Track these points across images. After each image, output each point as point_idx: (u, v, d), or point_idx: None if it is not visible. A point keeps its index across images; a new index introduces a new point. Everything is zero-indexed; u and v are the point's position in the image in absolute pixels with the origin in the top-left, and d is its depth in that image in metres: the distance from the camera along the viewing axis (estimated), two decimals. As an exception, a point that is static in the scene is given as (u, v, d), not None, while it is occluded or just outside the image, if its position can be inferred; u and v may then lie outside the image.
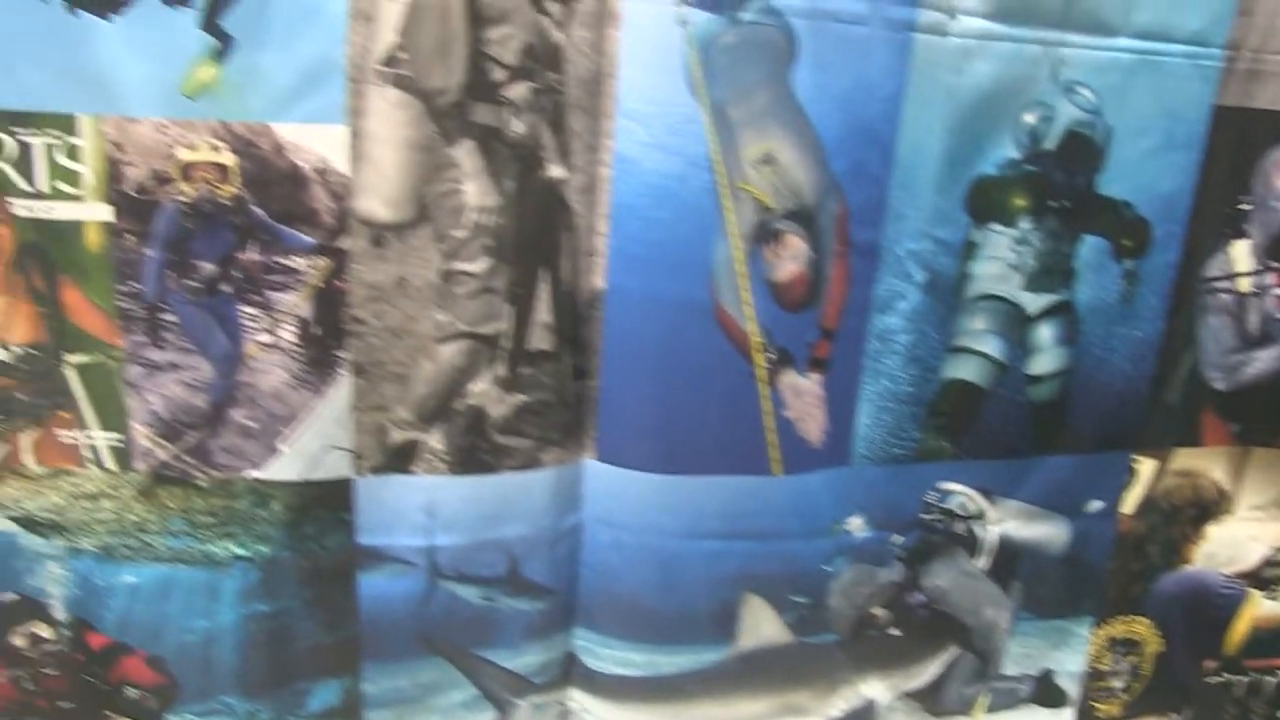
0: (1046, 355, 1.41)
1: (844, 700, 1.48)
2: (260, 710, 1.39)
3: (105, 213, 1.19)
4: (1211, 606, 1.59)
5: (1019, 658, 1.57)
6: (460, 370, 1.26)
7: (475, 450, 1.29)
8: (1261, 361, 1.46)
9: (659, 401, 1.32)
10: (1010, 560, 1.49)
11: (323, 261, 1.21)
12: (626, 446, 1.34)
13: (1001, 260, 1.37)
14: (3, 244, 1.20)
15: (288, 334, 1.23)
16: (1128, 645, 1.61)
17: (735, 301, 1.28)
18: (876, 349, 1.36)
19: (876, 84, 1.26)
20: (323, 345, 1.24)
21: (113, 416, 1.26)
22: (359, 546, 1.32)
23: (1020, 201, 1.34)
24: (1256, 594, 1.59)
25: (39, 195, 1.18)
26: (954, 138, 1.29)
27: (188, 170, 1.18)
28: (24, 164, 1.17)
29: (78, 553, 1.31)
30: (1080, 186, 1.35)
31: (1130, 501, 1.52)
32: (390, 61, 1.16)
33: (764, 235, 1.27)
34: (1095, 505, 1.49)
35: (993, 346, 1.38)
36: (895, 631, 1.49)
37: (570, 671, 1.45)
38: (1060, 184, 1.35)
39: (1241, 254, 1.41)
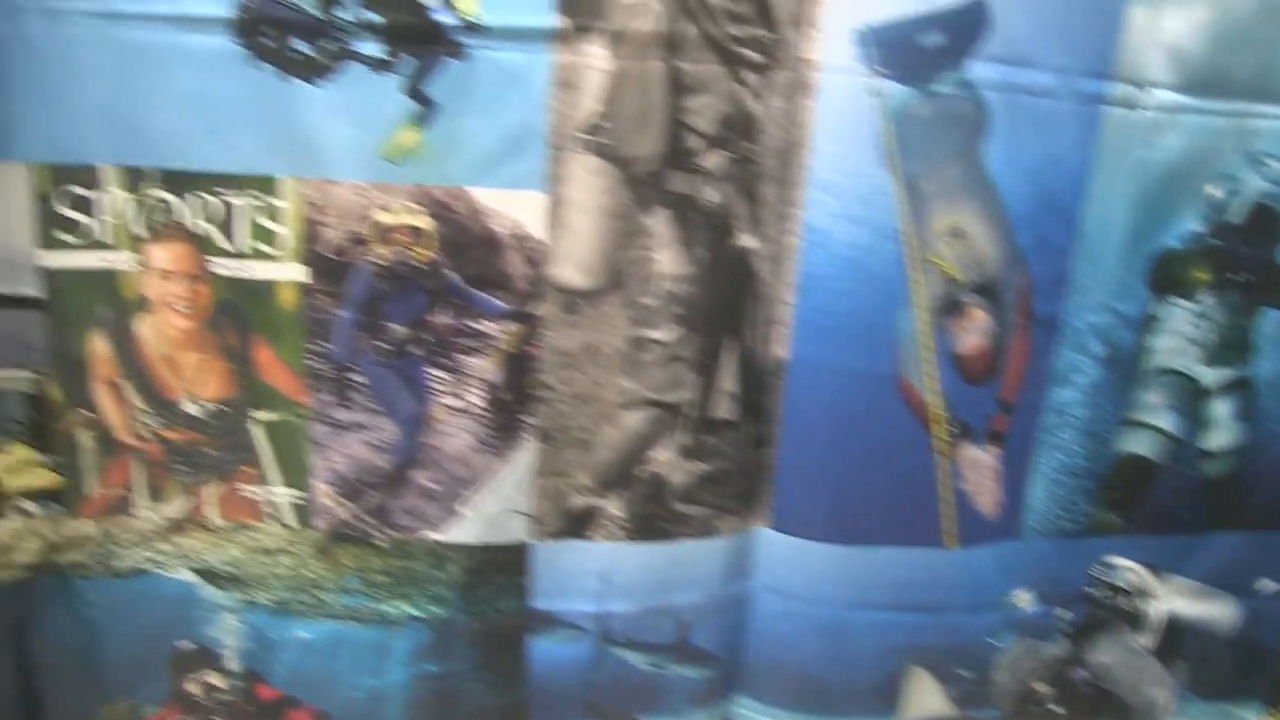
0: (1222, 430, 1.34)
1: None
2: (422, 769, 1.33)
3: (300, 273, 1.15)
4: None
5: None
6: (644, 437, 1.21)
7: (654, 518, 1.24)
8: None
9: (836, 471, 1.26)
10: (1176, 638, 1.41)
11: (514, 327, 1.17)
12: (801, 515, 1.28)
13: (1181, 334, 1.30)
14: (200, 301, 1.17)
15: (475, 398, 1.19)
16: (1296, 731, 1.52)
17: (919, 373, 1.22)
18: (1052, 422, 1.29)
19: (1065, 157, 1.20)
20: (509, 410, 1.20)
21: (296, 474, 1.22)
22: (532, 610, 1.28)
23: (1202, 275, 1.28)
24: None
25: (238, 255, 1.15)
26: (1139, 211, 1.23)
27: (384, 233, 1.14)
28: (225, 224, 1.14)
29: (253, 606, 1.28)
30: (1263, 259, 1.28)
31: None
32: (591, 129, 1.12)
33: (950, 308, 1.21)
34: (1267, 585, 1.41)
35: (1168, 421, 1.31)
36: (1057, 708, 1.42)
37: (729, 739, 1.38)
38: (1243, 257, 1.28)
39: None
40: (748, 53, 1.14)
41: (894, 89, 1.16)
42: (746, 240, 1.19)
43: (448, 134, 1.12)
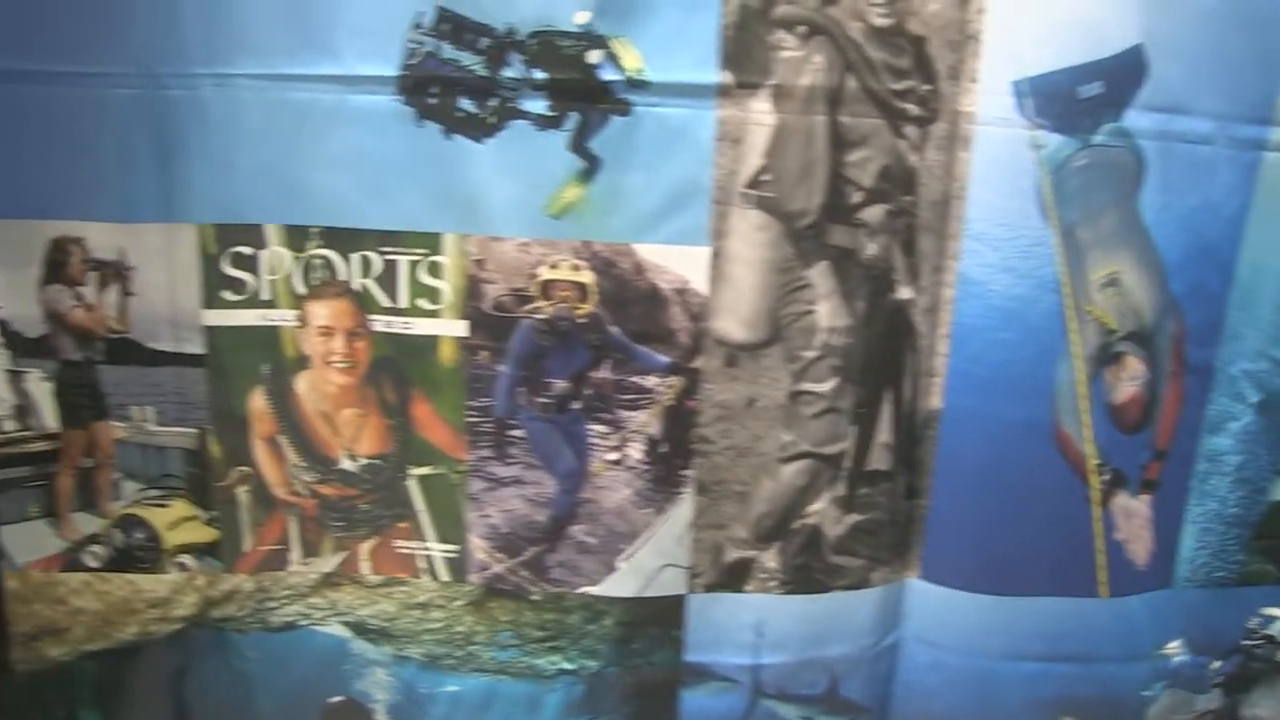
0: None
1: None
2: (569, 823, 1.28)
3: (461, 329, 1.13)
4: None
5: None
6: (801, 490, 1.17)
7: (808, 569, 1.20)
8: None
9: (989, 521, 1.21)
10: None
11: (675, 380, 1.13)
12: (952, 566, 1.23)
13: (1337, 380, 1.24)
14: (359, 358, 1.14)
15: (635, 452, 1.16)
16: None
17: (1075, 423, 1.18)
18: (1205, 470, 1.24)
19: (1220, 203, 1.16)
20: (669, 463, 1.16)
21: (451, 529, 1.19)
22: (685, 664, 1.23)
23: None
24: None
25: (399, 311, 1.13)
26: (1296, 256, 1.18)
27: (547, 288, 1.11)
28: (387, 281, 1.11)
29: (404, 660, 1.25)
30: None
31: None
32: (755, 184, 1.08)
33: (1106, 357, 1.17)
34: None
35: (1324, 468, 1.26)
36: (1209, 760, 1.35)
37: (874, 791, 1.33)
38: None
39: None
40: (907, 106, 1.11)
41: (1053, 139, 1.12)
42: (904, 292, 1.15)
43: (612, 190, 1.09)
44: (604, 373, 1.15)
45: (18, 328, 1.15)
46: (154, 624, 1.23)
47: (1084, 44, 1.09)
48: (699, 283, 1.12)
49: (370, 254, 1.12)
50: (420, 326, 1.14)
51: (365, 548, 1.22)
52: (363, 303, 1.14)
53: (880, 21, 1.08)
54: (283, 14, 1.06)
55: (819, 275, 1.13)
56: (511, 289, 1.12)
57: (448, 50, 1.06)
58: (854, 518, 1.20)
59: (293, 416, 1.18)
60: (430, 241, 1.11)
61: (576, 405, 1.16)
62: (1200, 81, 1.12)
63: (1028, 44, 1.09)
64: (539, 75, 1.07)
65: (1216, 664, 1.32)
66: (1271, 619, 1.31)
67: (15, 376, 1.16)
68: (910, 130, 1.11)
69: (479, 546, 1.20)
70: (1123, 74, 1.11)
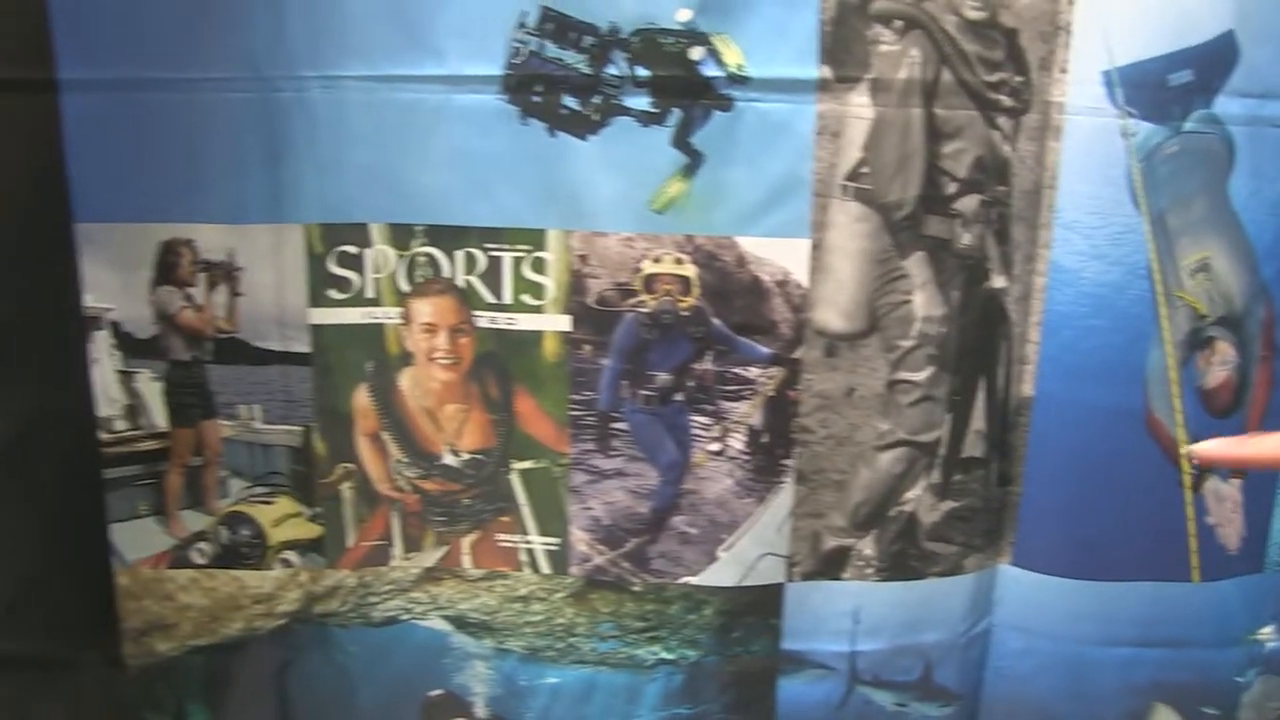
0: None
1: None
2: (668, 812, 1.29)
3: (564, 323, 1.14)
4: None
5: None
6: (897, 478, 1.17)
7: (904, 557, 1.20)
8: None
9: (1081, 507, 1.22)
10: None
11: (776, 371, 1.13)
12: (1044, 551, 1.24)
13: None
14: (463, 354, 1.15)
15: (737, 442, 1.16)
16: None
17: (1166, 408, 1.18)
18: (1292, 453, 1.23)
19: (1311, 188, 1.15)
20: (769, 453, 1.17)
21: (552, 522, 1.20)
22: (783, 651, 1.23)
23: None
24: None
25: (502, 307, 1.13)
26: (1385, 240, 1.18)
27: (650, 282, 1.12)
28: (492, 278, 1.12)
29: (504, 653, 1.25)
30: None
31: None
32: (854, 176, 1.09)
33: (1196, 342, 1.17)
34: None
35: None
36: (1303, 746, 1.35)
37: (966, 778, 1.33)
38: None
39: None
40: (1000, 97, 1.11)
41: (1143, 128, 1.12)
42: (998, 281, 1.16)
43: (714, 184, 1.10)
44: (706, 364, 1.16)
45: (129, 329, 1.16)
46: (259, 619, 1.24)
47: (1174, 32, 1.09)
48: (800, 274, 1.13)
49: (475, 251, 1.13)
50: (524, 322, 1.15)
51: (467, 542, 1.23)
52: (467, 299, 1.15)
53: (974, 15, 1.09)
54: (388, 16, 1.07)
55: (915, 265, 1.13)
56: (615, 283, 1.13)
57: (551, 49, 1.08)
58: (949, 504, 1.21)
59: (396, 413, 1.19)
60: (534, 238, 1.12)
61: (679, 397, 1.16)
62: (1291, 65, 1.12)
63: (1118, 33, 1.10)
64: (642, 72, 1.08)
65: (1311, 649, 1.32)
66: (1362, 602, 1.30)
67: (126, 377, 1.18)
68: (1003, 121, 1.12)
69: (580, 539, 1.21)
70: (1213, 60, 1.12)
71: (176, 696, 1.26)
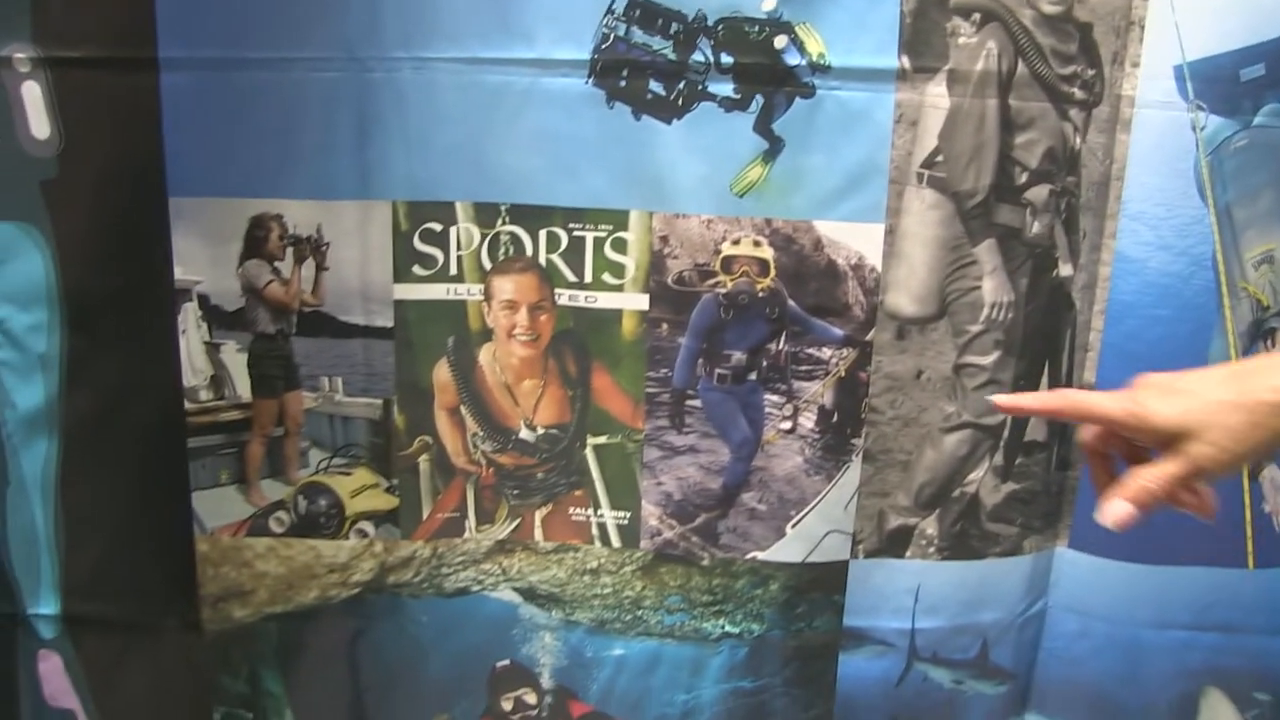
0: None
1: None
2: (727, 784, 1.33)
3: (643, 302, 1.18)
4: None
5: None
6: (961, 459, 1.22)
7: (966, 537, 1.24)
8: None
9: (1139, 493, 1.24)
10: None
11: (848, 352, 1.18)
12: (1100, 534, 1.25)
13: None
14: (542, 331, 1.19)
15: (808, 421, 1.20)
16: None
17: (1226, 397, 1.21)
18: (1348, 444, 1.27)
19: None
20: (840, 433, 1.21)
21: (624, 496, 1.24)
22: (845, 628, 1.27)
23: None
24: None
25: (583, 286, 1.17)
26: None
27: (728, 263, 1.16)
28: (574, 257, 1.16)
29: (572, 624, 1.29)
30: None
31: None
32: (929, 164, 1.13)
33: (1259, 333, 1.21)
34: None
35: None
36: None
37: (1017, 758, 1.37)
38: None
39: None
40: (1073, 90, 1.15)
41: (1212, 121, 1.16)
42: (1065, 269, 1.20)
43: (794, 170, 1.14)
44: (781, 345, 1.20)
45: (216, 301, 1.20)
46: (333, 588, 1.28)
47: (1247, 27, 1.13)
48: (874, 259, 1.16)
49: (558, 230, 1.17)
50: (604, 300, 1.19)
51: (539, 515, 1.27)
52: (548, 277, 1.19)
53: (1050, 9, 1.12)
54: (479, 0, 1.11)
55: (985, 252, 1.17)
56: (694, 264, 1.17)
57: (638, 35, 1.11)
58: (1010, 486, 1.25)
59: (474, 387, 1.23)
60: (617, 218, 1.16)
61: (753, 376, 1.21)
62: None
63: (1190, 28, 1.13)
64: (726, 59, 1.12)
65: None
66: None
67: (212, 348, 1.22)
68: (1075, 114, 1.16)
69: (651, 513, 1.25)
70: (1285, 55, 1.15)
71: (251, 662, 1.31)
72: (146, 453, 1.22)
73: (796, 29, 1.10)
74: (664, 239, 1.16)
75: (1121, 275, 1.20)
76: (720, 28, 1.11)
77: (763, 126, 1.13)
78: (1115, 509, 0.74)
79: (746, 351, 1.19)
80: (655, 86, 1.12)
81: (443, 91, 1.13)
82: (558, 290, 1.19)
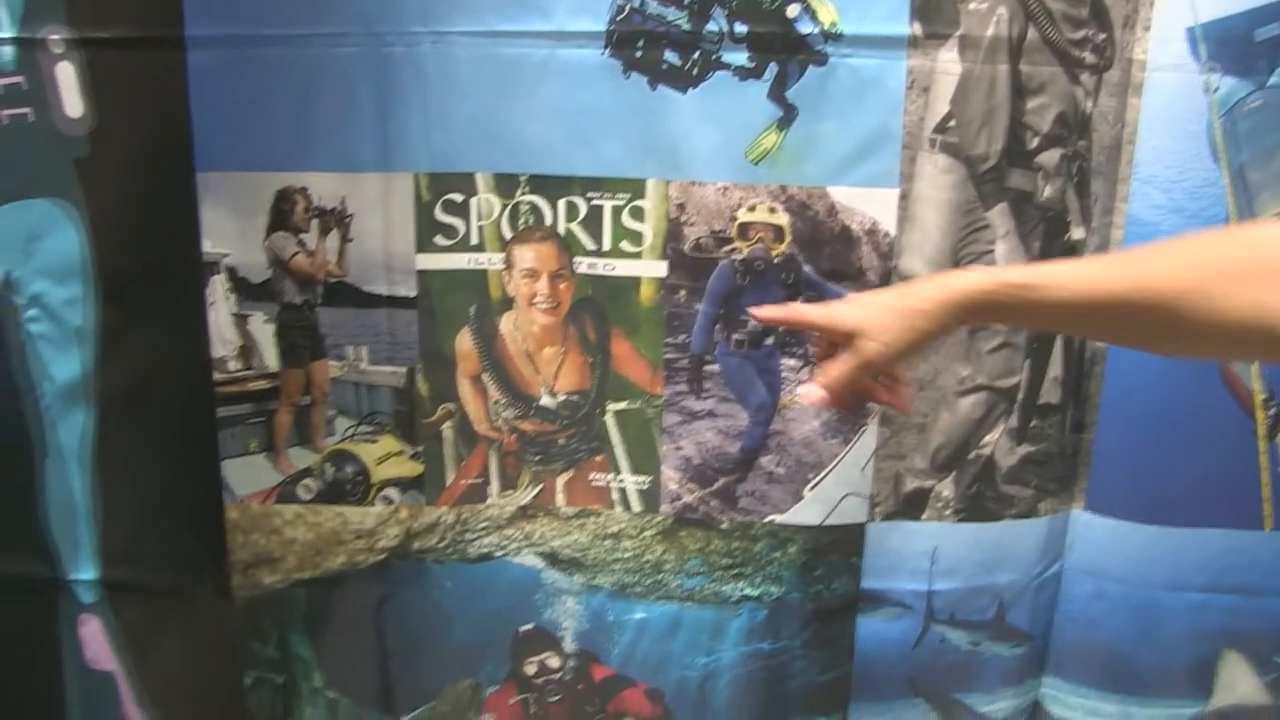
0: None
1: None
2: (745, 745, 1.36)
3: (661, 269, 1.21)
4: None
5: None
6: (977, 422, 1.24)
7: (982, 499, 1.27)
8: None
9: (1154, 454, 1.28)
10: None
11: (863, 317, 1.20)
12: (1116, 497, 1.30)
13: None
14: (562, 299, 1.22)
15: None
16: None
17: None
18: (1365, 404, 1.29)
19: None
20: (856, 395, 1.22)
21: (644, 461, 1.27)
22: (862, 590, 1.30)
23: None
24: None
25: (602, 254, 1.20)
26: None
27: (744, 230, 1.19)
28: (592, 225, 1.19)
29: (594, 589, 1.32)
30: None
31: None
32: (941, 129, 1.15)
33: (1272, 294, 1.22)
34: None
35: None
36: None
37: None
38: None
39: None
40: (1084, 55, 1.17)
41: (1226, 83, 1.17)
42: (1077, 233, 1.22)
43: (808, 137, 1.16)
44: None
45: (244, 273, 1.24)
46: (360, 554, 1.32)
47: (1262, -14, 1.14)
48: (888, 223, 1.19)
49: (576, 199, 1.20)
50: (622, 268, 1.22)
51: (560, 481, 1.30)
52: (567, 246, 1.22)
53: (1060, -26, 1.14)
54: (497, -26, 1.14)
55: (998, 216, 1.20)
56: (711, 231, 1.20)
57: (653, 6, 1.15)
58: (1025, 449, 1.27)
59: (496, 355, 1.27)
60: (634, 187, 1.19)
61: (770, 341, 1.23)
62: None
63: (1203, -10, 1.15)
64: (740, 29, 1.14)
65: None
66: None
67: (240, 319, 1.26)
68: (1086, 78, 1.18)
69: (671, 478, 1.28)
70: (1301, 15, 1.16)
71: (280, 627, 1.35)
72: (178, 422, 1.26)
73: (809, -2, 1.12)
74: (680, 207, 1.19)
75: (1134, 238, 1.22)
76: (734, -2, 1.13)
77: (776, 94, 1.15)
78: (808, 391, 0.92)
79: (763, 316, 1.21)
80: (670, 56, 1.15)
81: (461, 64, 1.16)
82: (577, 258, 1.22)
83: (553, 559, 1.31)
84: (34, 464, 1.23)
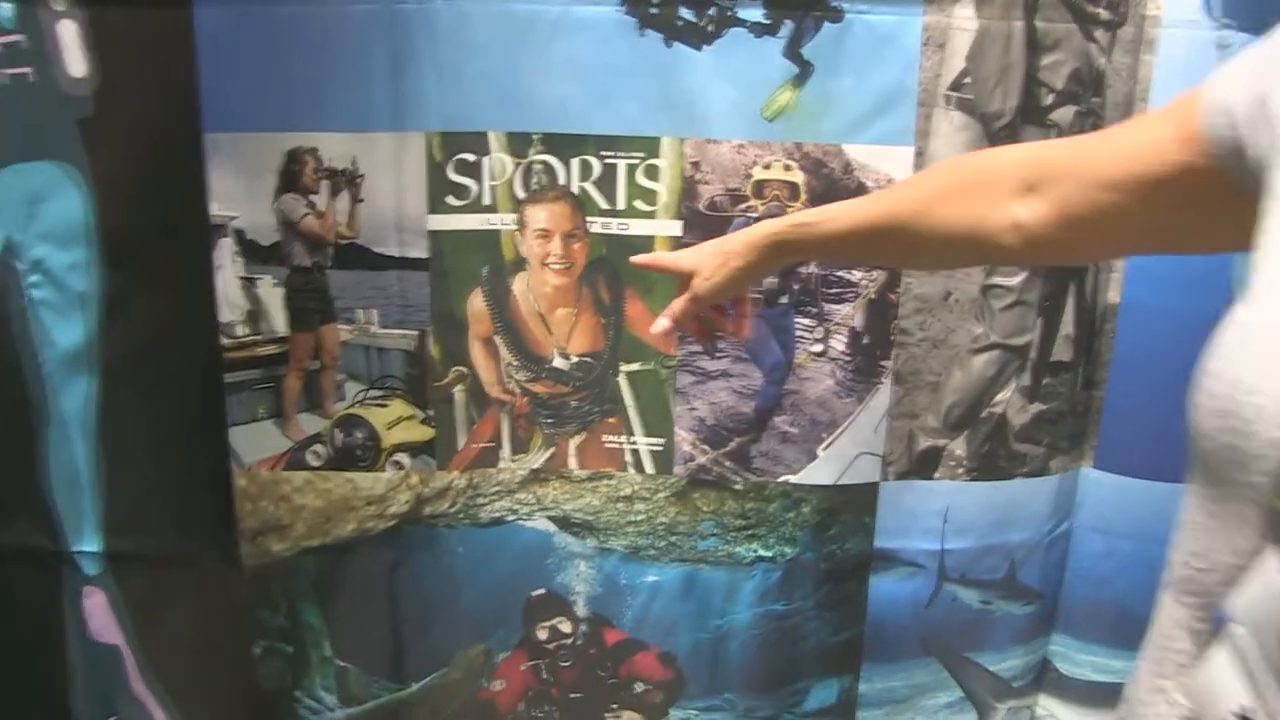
0: None
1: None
2: (760, 707, 1.38)
3: (675, 229, 1.21)
4: None
5: None
6: (989, 380, 1.25)
7: (994, 457, 1.28)
8: None
9: (1163, 411, 1.27)
10: None
11: (878, 275, 1.21)
12: (1126, 454, 1.31)
13: None
14: (575, 259, 1.22)
15: (839, 344, 1.23)
16: None
17: (1249, 314, 1.25)
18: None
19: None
20: (870, 355, 1.24)
21: (658, 422, 1.27)
22: (875, 550, 1.31)
23: None
24: None
25: (616, 213, 1.20)
26: None
27: (759, 188, 1.19)
28: (606, 184, 1.19)
29: (606, 552, 1.32)
30: None
31: None
32: (957, 86, 1.16)
33: None
34: None
35: None
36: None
37: (1041, 678, 1.41)
38: None
39: None
40: (1098, 11, 1.18)
41: (1239, 39, 1.19)
42: (1089, 190, 1.22)
43: (823, 94, 1.17)
44: (811, 268, 1.23)
45: (252, 236, 1.23)
46: (370, 521, 1.31)
47: (1276, -61, 1.15)
48: (903, 180, 1.19)
49: (590, 158, 1.20)
50: (636, 227, 1.22)
51: (573, 443, 1.30)
52: (581, 205, 1.22)
53: (1074, -71, 1.15)
54: (510, -70, 1.13)
55: (1012, 173, 1.20)
56: (726, 189, 1.20)
57: (669, -38, 1.14)
58: (1037, 407, 1.28)
59: (508, 317, 1.26)
60: (649, 145, 1.19)
61: (784, 300, 1.24)
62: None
63: (1216, -56, 1.16)
64: (756, -16, 1.14)
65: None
66: None
67: (248, 283, 1.24)
68: (1100, 34, 1.19)
69: (685, 439, 1.28)
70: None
71: (289, 596, 1.34)
72: (184, 389, 1.25)
73: (825, -47, 1.12)
74: (695, 165, 1.19)
75: (1145, 196, 1.22)
76: (750, -47, 1.13)
77: (792, 51, 1.15)
78: (657, 324, 1.06)
79: (778, 275, 1.22)
80: (685, 13, 1.15)
81: (474, 22, 1.15)
82: (590, 218, 1.21)
83: (565, 523, 1.31)
84: (36, 433, 1.21)
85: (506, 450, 1.30)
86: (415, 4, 1.14)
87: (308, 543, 1.30)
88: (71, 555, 1.25)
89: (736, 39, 1.15)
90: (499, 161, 1.19)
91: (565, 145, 1.19)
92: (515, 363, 1.26)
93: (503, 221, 1.22)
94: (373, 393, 1.28)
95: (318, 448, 1.28)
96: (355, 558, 1.32)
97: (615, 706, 1.38)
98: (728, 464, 1.27)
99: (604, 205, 1.21)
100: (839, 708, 1.37)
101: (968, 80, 1.16)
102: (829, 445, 1.26)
